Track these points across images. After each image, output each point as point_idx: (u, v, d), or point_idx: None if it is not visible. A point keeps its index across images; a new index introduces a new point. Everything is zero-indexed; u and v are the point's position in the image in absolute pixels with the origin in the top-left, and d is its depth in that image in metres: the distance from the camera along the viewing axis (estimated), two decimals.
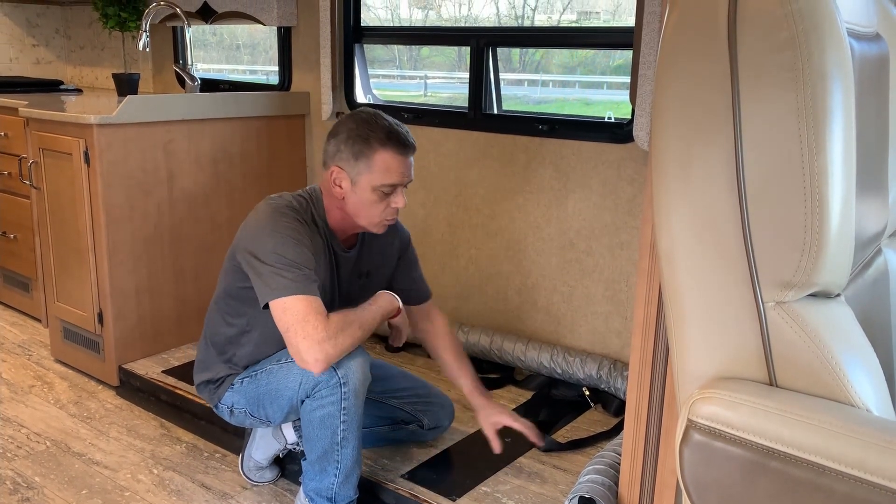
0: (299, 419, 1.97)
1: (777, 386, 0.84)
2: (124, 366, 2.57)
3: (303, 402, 1.72)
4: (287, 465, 2.08)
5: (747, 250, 0.82)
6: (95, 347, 2.61)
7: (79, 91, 3.51)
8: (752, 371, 0.85)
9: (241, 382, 1.83)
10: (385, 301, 1.79)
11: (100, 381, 2.65)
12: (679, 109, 0.86)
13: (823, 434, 0.77)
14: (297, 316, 1.60)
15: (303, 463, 1.80)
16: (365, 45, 2.86)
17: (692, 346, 0.89)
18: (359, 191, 1.70)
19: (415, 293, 2.02)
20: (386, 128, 1.69)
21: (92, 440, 2.28)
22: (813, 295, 0.85)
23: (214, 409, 1.93)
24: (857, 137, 0.87)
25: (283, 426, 1.97)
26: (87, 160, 2.44)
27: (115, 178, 2.46)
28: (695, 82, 0.85)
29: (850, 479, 0.75)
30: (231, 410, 1.87)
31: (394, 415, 2.02)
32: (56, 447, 2.23)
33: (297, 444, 1.97)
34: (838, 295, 0.89)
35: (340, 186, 1.71)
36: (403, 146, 1.70)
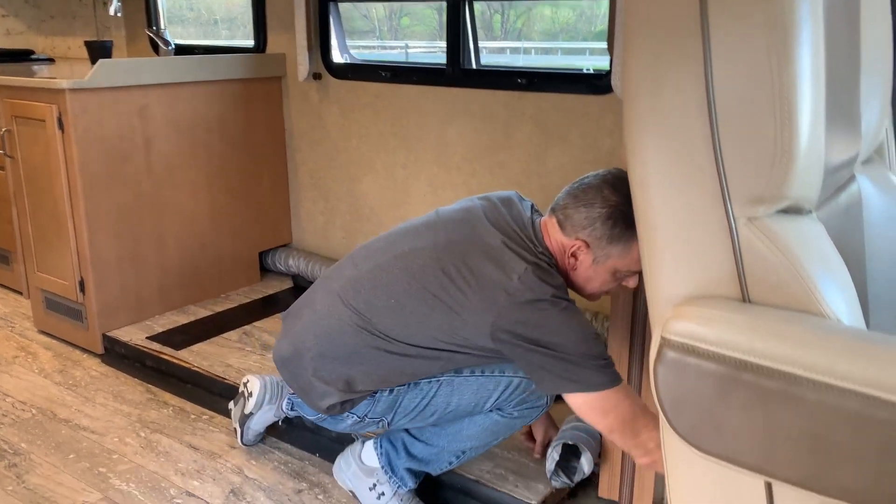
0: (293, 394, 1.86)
1: (750, 302, 0.85)
2: (108, 333, 2.56)
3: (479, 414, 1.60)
4: (296, 434, 2.07)
5: (718, 166, 0.82)
6: (78, 316, 2.60)
7: (51, 61, 3.45)
8: (725, 289, 0.86)
9: (391, 391, 1.57)
10: None
11: (84, 350, 2.64)
12: (648, 30, 0.86)
13: (795, 344, 0.78)
14: (624, 415, 1.41)
15: (407, 441, 1.68)
16: (341, 10, 2.83)
17: (666, 269, 0.90)
18: (599, 270, 1.47)
19: None
20: None
21: (78, 407, 2.27)
22: (784, 211, 0.86)
23: (327, 419, 1.64)
24: (828, 65, 0.87)
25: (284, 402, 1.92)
26: (61, 126, 2.40)
27: (90, 145, 2.43)
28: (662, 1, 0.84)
29: (821, 387, 0.76)
30: (361, 419, 1.61)
31: None
32: (42, 414, 2.23)
33: (290, 411, 1.92)
34: (810, 212, 0.90)
35: (576, 258, 1.47)
36: None
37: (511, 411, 1.59)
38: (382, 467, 1.71)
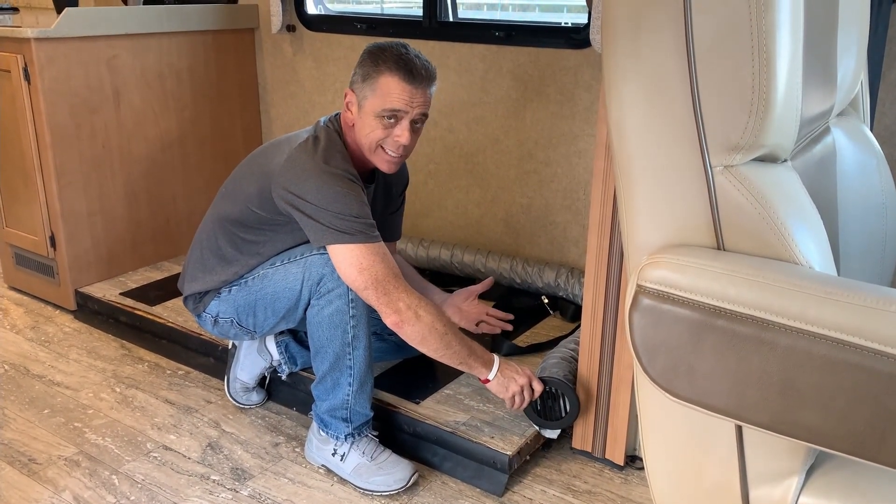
0: (282, 334, 1.95)
1: (725, 249, 0.86)
2: (81, 289, 2.53)
3: (307, 306, 1.71)
4: (273, 388, 2.07)
5: (696, 113, 0.82)
6: (49, 272, 2.56)
7: (14, 10, 3.34)
8: (700, 237, 0.87)
9: (230, 291, 1.80)
10: (483, 352, 1.70)
11: (56, 306, 2.61)
12: None
13: (767, 290, 0.79)
14: (377, 274, 1.60)
15: (312, 388, 1.77)
16: None
17: (642, 217, 0.90)
18: (363, 115, 1.65)
19: (391, 233, 2.01)
20: (399, 55, 1.62)
21: (52, 363, 2.25)
22: (760, 159, 0.86)
23: (197, 320, 1.88)
24: (807, 14, 0.87)
25: (268, 341, 1.96)
26: (27, 77, 2.34)
27: (58, 96, 2.37)
28: None
29: (792, 332, 0.77)
30: (215, 320, 1.84)
31: (373, 327, 1.98)
32: (15, 370, 2.21)
33: (281, 364, 1.96)
34: (785, 160, 0.90)
35: (350, 111, 1.69)
36: (410, 73, 1.61)
37: (318, 290, 1.68)
38: (320, 428, 1.77)
